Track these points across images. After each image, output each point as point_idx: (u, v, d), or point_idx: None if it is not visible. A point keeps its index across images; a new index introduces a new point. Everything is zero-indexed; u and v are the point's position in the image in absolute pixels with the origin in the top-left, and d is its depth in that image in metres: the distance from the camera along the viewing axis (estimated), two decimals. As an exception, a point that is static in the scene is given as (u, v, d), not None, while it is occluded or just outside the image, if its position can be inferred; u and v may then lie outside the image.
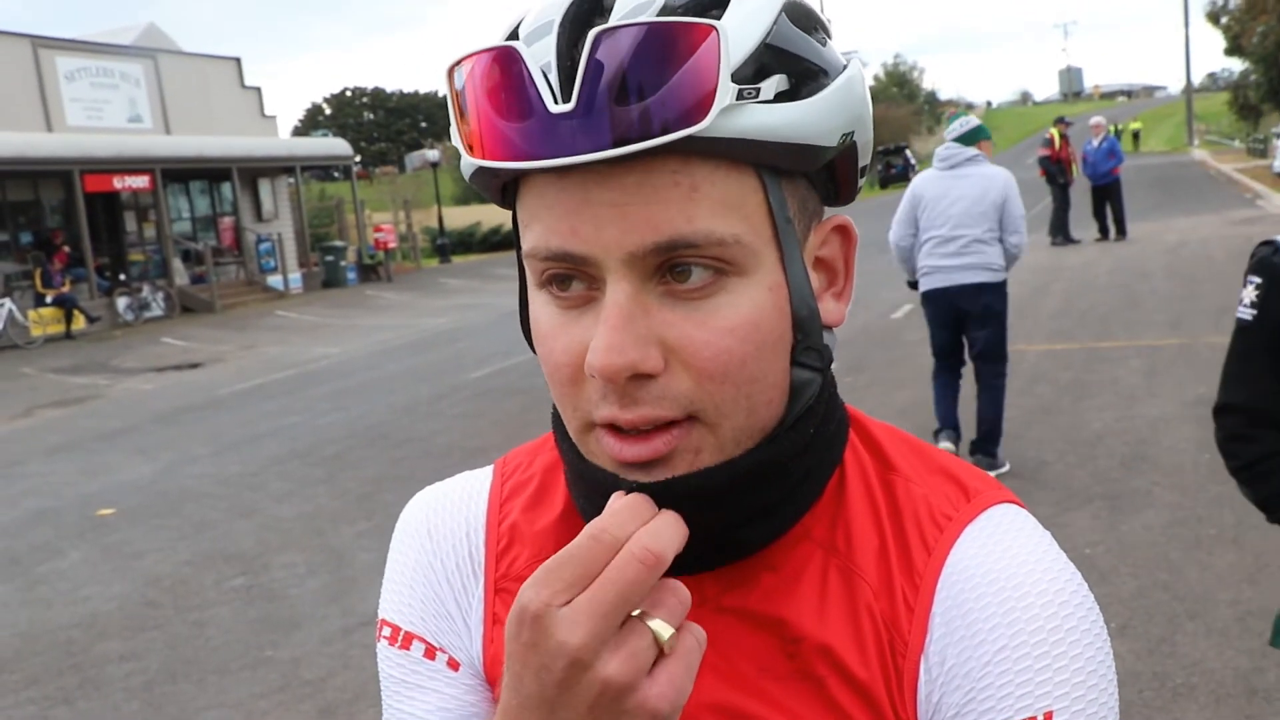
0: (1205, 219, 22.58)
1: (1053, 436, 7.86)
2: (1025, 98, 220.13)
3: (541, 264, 0.78)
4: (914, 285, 7.22)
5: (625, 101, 0.71)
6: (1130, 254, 13.52)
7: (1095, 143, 19.54)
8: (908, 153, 62.74)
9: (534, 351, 0.86)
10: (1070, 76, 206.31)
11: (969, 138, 6.97)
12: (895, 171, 59.83)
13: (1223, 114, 70.16)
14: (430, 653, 0.95)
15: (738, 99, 0.73)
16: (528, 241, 0.79)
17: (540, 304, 0.81)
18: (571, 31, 0.74)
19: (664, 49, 0.71)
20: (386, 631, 0.98)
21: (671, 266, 0.76)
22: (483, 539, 0.97)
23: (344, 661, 5.22)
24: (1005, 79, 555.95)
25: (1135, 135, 69.89)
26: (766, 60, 0.75)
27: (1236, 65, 55.36)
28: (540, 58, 0.73)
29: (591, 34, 0.71)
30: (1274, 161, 30.28)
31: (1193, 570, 5.27)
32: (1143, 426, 7.88)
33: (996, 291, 6.90)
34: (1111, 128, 21.60)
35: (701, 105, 0.71)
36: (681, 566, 0.86)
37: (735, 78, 0.73)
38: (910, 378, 10.26)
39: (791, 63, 0.77)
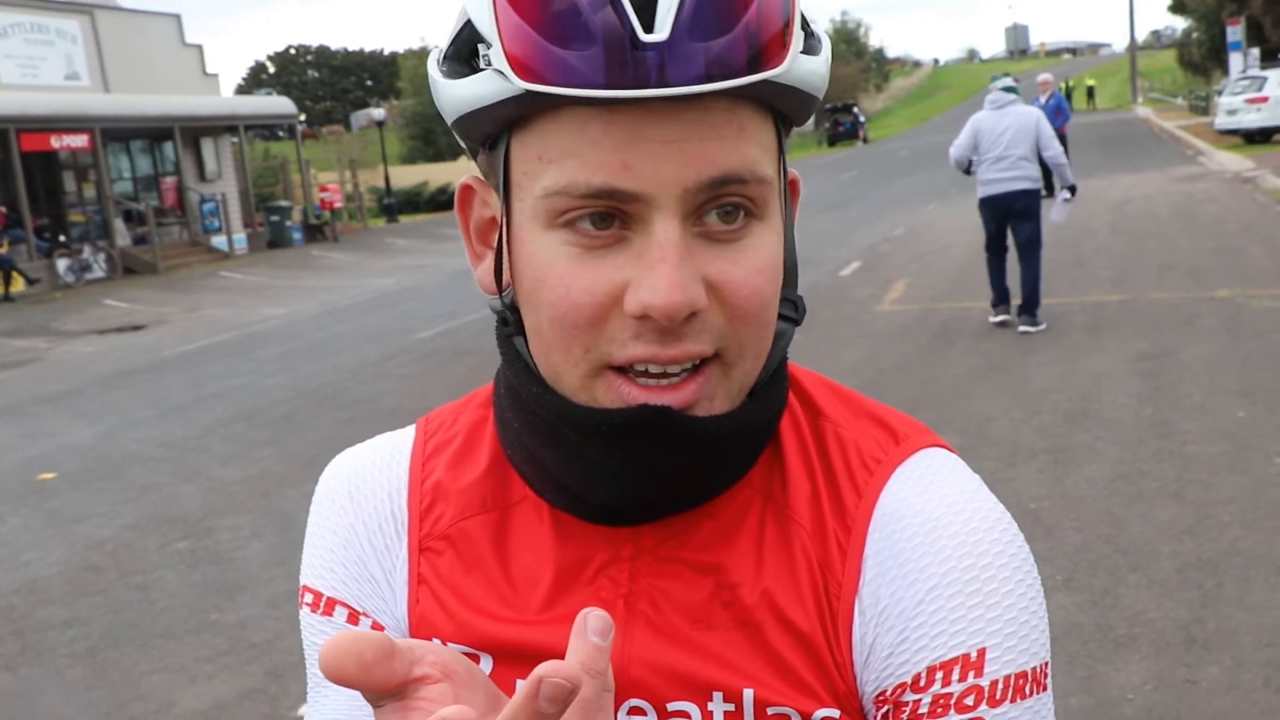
0: (1149, 176, 22.80)
1: (998, 393, 7.92)
2: (972, 55, 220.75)
3: (573, 201, 0.75)
4: (968, 171, 9.99)
5: (705, 35, 0.70)
6: (1075, 211, 13.63)
7: (1042, 100, 19.60)
8: (856, 110, 62.95)
9: (502, 300, 0.84)
10: (1016, 34, 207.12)
11: (1010, 91, 9.77)
12: (844, 129, 60.10)
13: (1166, 71, 70.89)
14: (354, 618, 0.93)
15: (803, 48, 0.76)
16: (555, 177, 0.75)
17: (551, 244, 0.77)
18: None
19: None
20: (308, 598, 0.95)
21: (718, 207, 0.76)
22: (405, 499, 0.94)
23: (290, 624, 5.18)
24: (952, 37, 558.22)
25: (1090, 91, 70.12)
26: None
27: (1180, 23, 55.82)
28: None
29: None
30: (1216, 118, 30.57)
31: (1135, 523, 5.34)
32: (1086, 382, 7.96)
33: (1034, 195, 9.72)
34: (1064, 84, 21.72)
35: (778, 48, 0.73)
36: (635, 518, 0.86)
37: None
38: (858, 335, 10.32)
39: (805, 21, 0.79)
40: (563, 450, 0.84)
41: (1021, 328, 9.79)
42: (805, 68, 0.76)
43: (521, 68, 0.72)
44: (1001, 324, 10.05)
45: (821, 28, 0.83)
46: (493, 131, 0.79)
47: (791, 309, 0.87)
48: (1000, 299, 10.11)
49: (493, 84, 0.74)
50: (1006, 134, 9.50)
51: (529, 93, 0.72)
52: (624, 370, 0.78)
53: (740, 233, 0.77)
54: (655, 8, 0.70)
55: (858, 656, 0.84)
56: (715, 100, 0.73)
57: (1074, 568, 4.92)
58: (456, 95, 0.78)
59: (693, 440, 0.79)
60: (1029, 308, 9.78)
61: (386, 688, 0.57)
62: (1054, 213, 9.84)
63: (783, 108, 0.79)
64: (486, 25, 0.74)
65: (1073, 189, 9.85)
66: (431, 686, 0.58)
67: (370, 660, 0.55)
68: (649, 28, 0.70)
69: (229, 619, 5.35)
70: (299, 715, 4.37)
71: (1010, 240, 9.91)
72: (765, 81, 0.73)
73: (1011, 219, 9.76)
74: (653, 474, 0.81)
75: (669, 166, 0.73)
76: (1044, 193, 10.52)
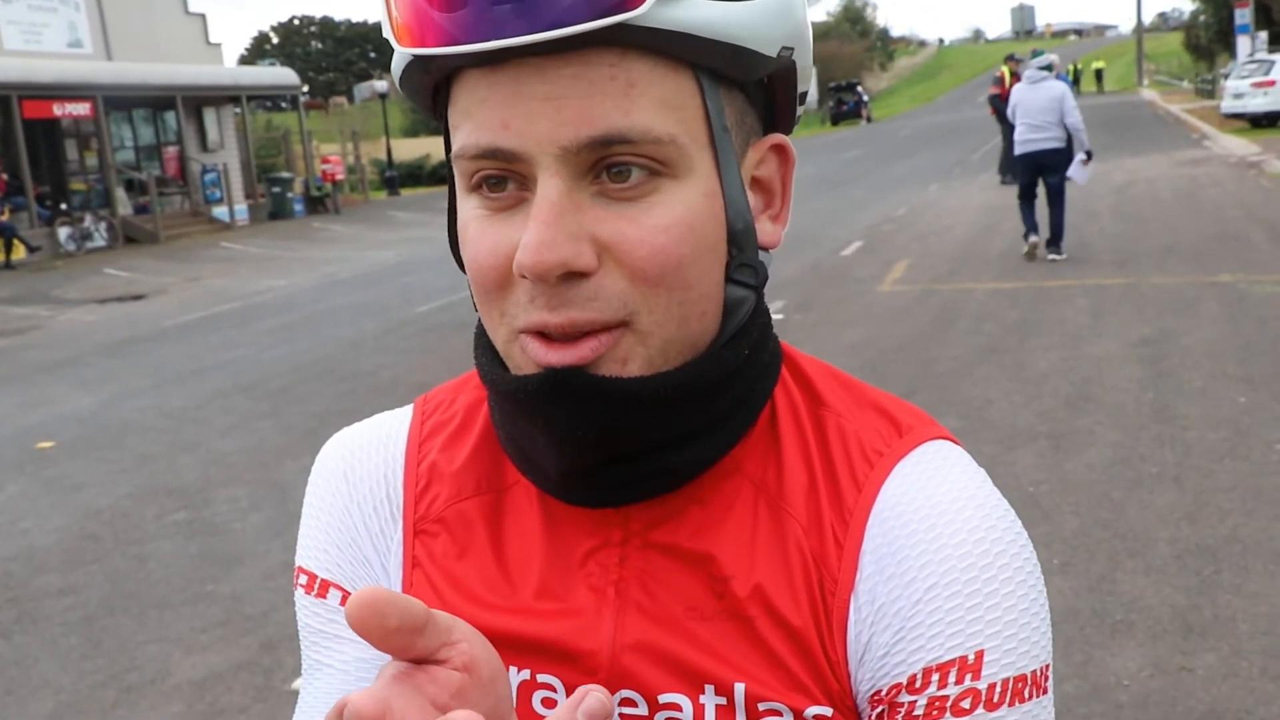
0: (1153, 159, 22.74)
1: (998, 375, 7.91)
2: (977, 35, 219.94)
3: (471, 164, 0.76)
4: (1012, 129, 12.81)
5: None
6: (1078, 194, 13.65)
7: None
8: (859, 89, 62.75)
9: (461, 269, 0.83)
10: (1023, 14, 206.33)
11: (1046, 69, 12.14)
12: (847, 108, 59.92)
13: (1173, 54, 70.49)
14: (346, 600, 0.91)
15: None
16: (457, 141, 0.76)
17: (469, 209, 0.78)
18: None
19: None
20: (303, 579, 0.94)
21: (608, 166, 0.74)
22: (401, 480, 0.93)
23: (286, 596, 5.18)
24: (957, 16, 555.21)
25: (1098, 74, 69.57)
26: None
27: (1187, 5, 55.58)
28: None
29: None
30: (1222, 102, 30.47)
31: (1133, 509, 5.34)
32: (1087, 366, 7.95)
33: (1061, 153, 11.99)
34: (1071, 66, 21.67)
35: None
36: (607, 498, 0.84)
37: None
38: (859, 315, 10.30)
39: None
40: (518, 424, 0.83)
41: (1050, 255, 12.37)
42: (703, 13, 0.72)
43: (408, 34, 0.73)
44: (1033, 246, 12.41)
45: None
46: (429, 102, 0.81)
47: (749, 274, 0.82)
48: (1031, 230, 12.46)
49: (398, 54, 0.77)
50: (1039, 103, 11.86)
51: (416, 58, 0.75)
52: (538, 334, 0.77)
53: (639, 190, 0.74)
54: None
55: (853, 655, 0.82)
56: (600, 54, 0.71)
57: (1071, 552, 4.91)
58: (392, 67, 0.80)
59: (607, 399, 0.76)
60: (1055, 240, 12.38)
61: (401, 656, 0.56)
62: (1074, 172, 11.88)
63: (698, 60, 0.74)
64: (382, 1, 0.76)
65: (1089, 154, 11.99)
66: (447, 671, 0.57)
67: (393, 628, 0.54)
68: None
69: (225, 590, 5.35)
70: (292, 688, 4.37)
71: (1040, 190, 12.33)
72: (625, 27, 0.69)
73: (1043, 172, 12.11)
74: (575, 436, 0.78)
75: (545, 125, 0.72)
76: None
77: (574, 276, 0.74)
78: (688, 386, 0.79)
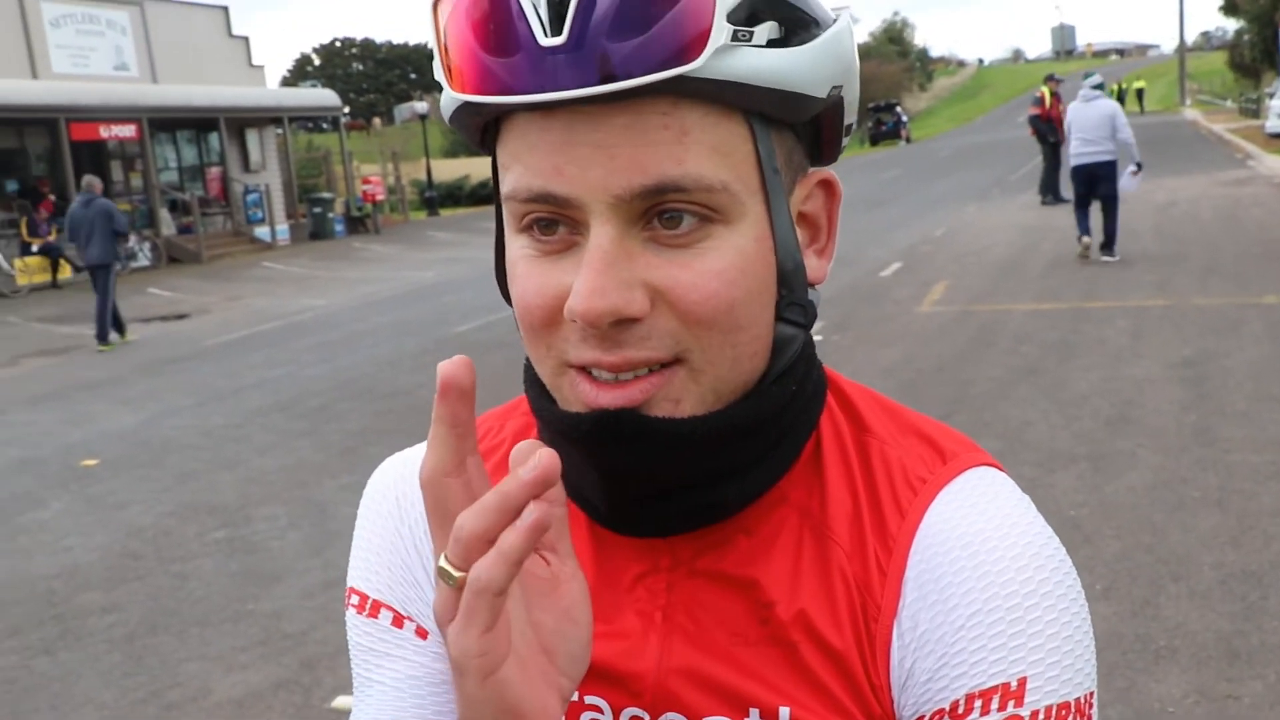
0: (1195, 179, 22.55)
1: (1037, 396, 7.85)
2: (1017, 55, 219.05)
3: (522, 206, 0.76)
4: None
5: (617, 37, 0.69)
6: (1119, 214, 13.56)
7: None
8: (898, 109, 62.63)
9: (507, 300, 0.84)
10: (1063, 34, 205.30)
11: (1098, 88, 13.33)
12: (885, 129, 59.80)
13: (1216, 73, 69.91)
14: (398, 621, 0.93)
15: (732, 40, 0.71)
16: (508, 183, 0.77)
17: (518, 248, 0.79)
18: None
19: None
20: (355, 600, 0.96)
21: (659, 212, 0.74)
22: None
23: (325, 615, 5.21)
24: (997, 36, 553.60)
25: (1139, 94, 68.94)
26: (759, 5, 0.74)
27: (1231, 24, 55.15)
28: None
29: None
30: (1267, 121, 30.19)
31: (1176, 532, 5.28)
32: (1128, 387, 7.88)
33: (1112, 165, 13.11)
34: (1114, 87, 21.60)
35: (695, 44, 0.70)
36: (657, 529, 0.85)
37: (729, 19, 0.71)
38: (897, 336, 10.26)
39: (783, 9, 0.75)
40: (568, 457, 0.84)
41: (1103, 258, 13.46)
42: (757, 62, 0.73)
43: (459, 78, 0.74)
44: (1085, 245, 13.62)
45: (842, 10, 0.81)
46: (478, 138, 0.82)
47: (799, 313, 0.83)
48: (1085, 232, 13.68)
49: (447, 94, 0.77)
50: (1093, 119, 13.12)
51: (467, 103, 0.75)
52: (588, 370, 0.78)
53: (691, 237, 0.75)
54: (566, 13, 0.70)
55: (895, 680, 0.82)
56: (652, 104, 0.72)
57: (1114, 576, 4.87)
58: (442, 103, 0.81)
59: (657, 442, 0.77)
60: (1109, 244, 13.50)
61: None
62: (1124, 182, 12.94)
63: (750, 106, 0.75)
64: (433, 37, 0.76)
65: (1139, 165, 13.01)
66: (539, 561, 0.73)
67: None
68: (556, 33, 0.70)
69: (264, 608, 5.39)
70: (331, 707, 4.39)
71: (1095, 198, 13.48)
72: (682, 79, 0.70)
73: (1096, 181, 13.24)
74: (624, 476, 0.81)
75: (598, 173, 0.73)
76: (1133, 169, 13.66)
77: (625, 322, 0.75)
78: (738, 425, 0.80)
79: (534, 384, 0.86)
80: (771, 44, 0.74)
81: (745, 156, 0.76)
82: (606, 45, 0.69)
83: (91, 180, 15.24)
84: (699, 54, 0.69)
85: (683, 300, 0.75)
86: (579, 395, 0.78)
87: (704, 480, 0.82)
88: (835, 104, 0.82)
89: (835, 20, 0.80)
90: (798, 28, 0.76)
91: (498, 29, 0.72)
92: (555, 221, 0.76)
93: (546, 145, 0.73)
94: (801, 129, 0.82)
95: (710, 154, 0.74)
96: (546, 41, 0.70)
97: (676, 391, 0.78)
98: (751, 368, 0.81)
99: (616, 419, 0.77)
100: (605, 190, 0.73)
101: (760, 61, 0.73)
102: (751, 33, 0.73)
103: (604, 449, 0.78)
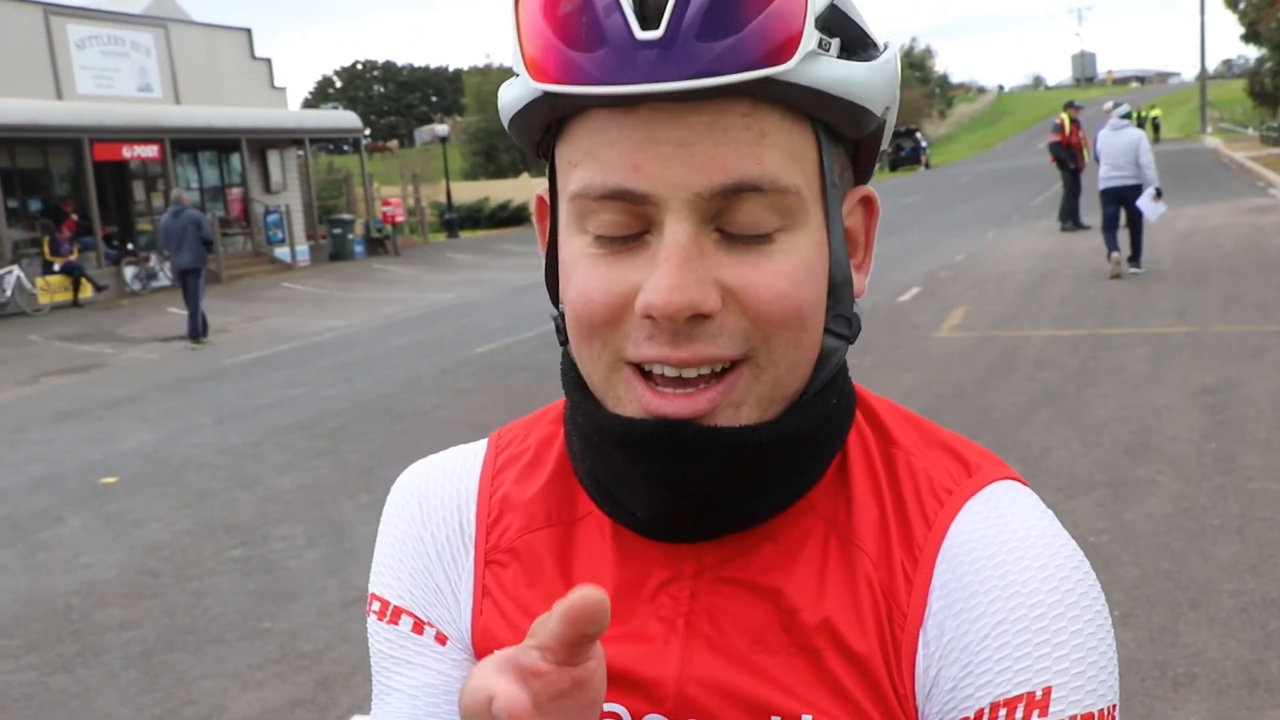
0: (1216, 207, 22.49)
1: (1057, 423, 7.83)
2: (1038, 82, 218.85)
3: (594, 203, 0.77)
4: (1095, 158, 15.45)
5: (709, 36, 0.70)
6: (1163, 209, 13.69)
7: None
8: (918, 135, 62.66)
9: (554, 303, 0.85)
10: (1083, 61, 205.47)
11: (1126, 117, 14.59)
12: (905, 154, 59.79)
13: (1237, 101, 69.71)
14: (419, 627, 0.94)
15: (817, 47, 0.73)
16: (578, 179, 0.77)
17: (579, 245, 0.80)
18: None
19: None
20: (376, 606, 0.96)
21: (735, 212, 0.75)
22: (474, 511, 0.95)
23: (342, 634, 5.21)
24: (1018, 63, 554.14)
25: (1155, 124, 68.67)
26: (832, 21, 0.76)
27: (1253, 52, 55.05)
28: None
29: None
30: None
31: (1195, 560, 5.25)
32: (1147, 415, 7.85)
33: (1138, 188, 14.19)
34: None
35: (786, 47, 0.71)
36: (693, 535, 0.86)
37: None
38: (916, 361, 10.24)
39: (850, 29, 0.78)
40: (607, 462, 0.85)
41: (1132, 270, 14.58)
42: (835, 72, 0.75)
43: (538, 69, 0.75)
44: (1116, 261, 14.34)
45: (890, 40, 0.82)
46: (538, 138, 0.82)
47: (844, 325, 0.85)
48: (1113, 249, 14.48)
49: (523, 87, 0.77)
50: (1120, 146, 14.47)
51: (546, 94, 0.75)
52: (644, 371, 0.79)
53: (761, 239, 0.76)
54: (664, 10, 0.71)
55: (920, 689, 0.83)
56: (733, 104, 0.73)
57: (1133, 603, 4.84)
58: (504, 99, 0.81)
59: (716, 452, 0.78)
60: (1136, 257, 14.77)
61: (563, 659, 0.65)
62: (1143, 204, 13.92)
63: (821, 115, 0.77)
64: (511, 30, 0.77)
65: (1159, 190, 13.98)
66: (560, 673, 0.66)
67: (593, 634, 0.64)
68: (652, 28, 0.71)
69: (281, 627, 5.39)
70: (348, 725, 4.39)
71: (1122, 218, 14.55)
72: (769, 81, 0.72)
73: (1124, 203, 14.37)
74: (678, 486, 0.81)
75: (679, 169, 0.73)
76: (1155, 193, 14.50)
77: (698, 318, 0.75)
78: (786, 436, 0.81)
79: (577, 385, 0.86)
80: (840, 57, 0.76)
81: (812, 164, 0.78)
82: (697, 43, 0.70)
83: (180, 193, 16.38)
84: (789, 57, 0.71)
85: (754, 299, 0.76)
86: (636, 398, 0.79)
87: (750, 489, 0.83)
88: (881, 125, 0.83)
89: (887, 46, 0.82)
90: (859, 47, 0.78)
91: (586, 20, 0.72)
92: (631, 221, 0.76)
93: (626, 142, 0.74)
94: (848, 146, 0.84)
95: (785, 158, 0.75)
96: (642, 35, 0.70)
97: (740, 394, 0.79)
98: (803, 375, 0.82)
99: (673, 428, 0.77)
100: (685, 188, 0.74)
101: (839, 72, 0.75)
102: (831, 43, 0.75)
103: (656, 458, 0.79)
